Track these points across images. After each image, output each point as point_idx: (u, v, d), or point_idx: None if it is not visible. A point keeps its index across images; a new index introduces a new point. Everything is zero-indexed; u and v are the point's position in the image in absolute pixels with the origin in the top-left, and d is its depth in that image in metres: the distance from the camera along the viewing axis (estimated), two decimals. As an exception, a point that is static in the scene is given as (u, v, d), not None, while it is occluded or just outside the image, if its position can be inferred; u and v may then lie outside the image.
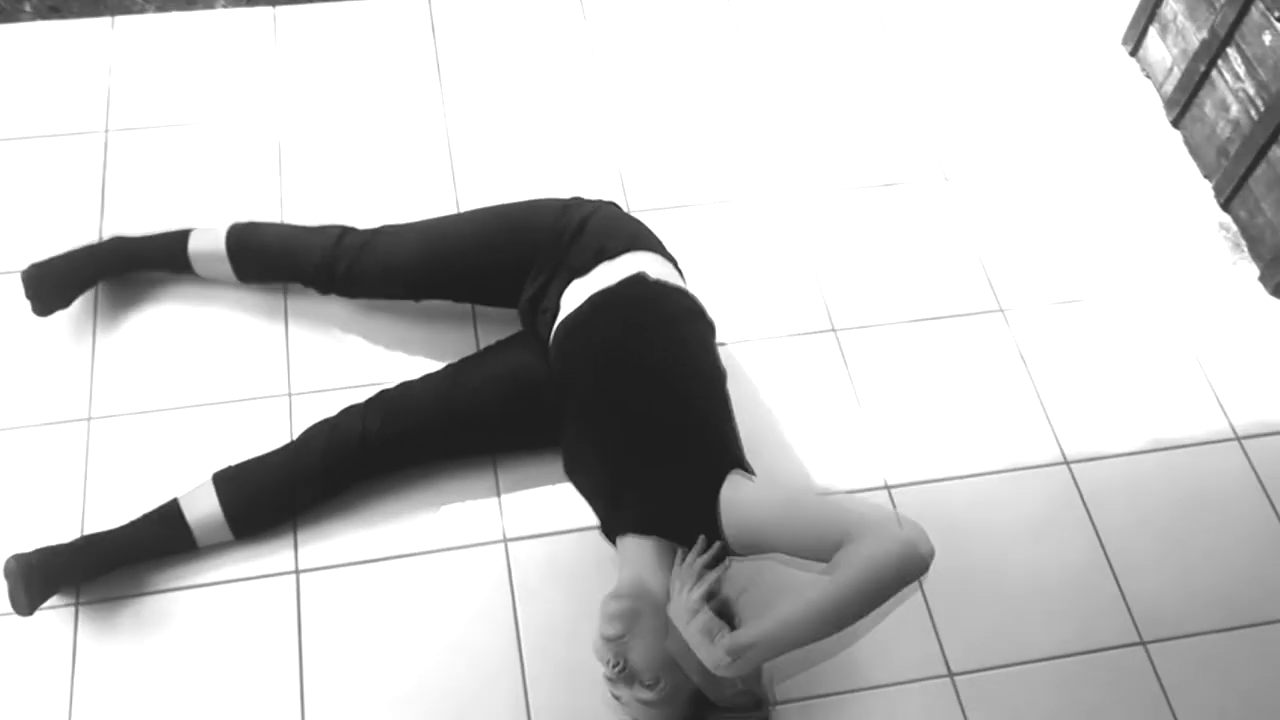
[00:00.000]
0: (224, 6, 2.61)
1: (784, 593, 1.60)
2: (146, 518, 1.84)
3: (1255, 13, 2.32)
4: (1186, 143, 2.59)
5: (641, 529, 1.72)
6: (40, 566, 1.75)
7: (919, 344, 2.23)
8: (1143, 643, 1.94)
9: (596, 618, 1.66)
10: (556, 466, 1.93)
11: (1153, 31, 2.66)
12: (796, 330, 2.23)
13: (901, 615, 1.92)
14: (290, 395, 2.06)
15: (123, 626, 1.82)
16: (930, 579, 1.96)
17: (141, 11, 2.58)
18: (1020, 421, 2.15)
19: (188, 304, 2.14)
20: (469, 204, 2.30)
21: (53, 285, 2.03)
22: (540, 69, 2.58)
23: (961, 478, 2.08)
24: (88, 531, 1.87)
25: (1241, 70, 2.38)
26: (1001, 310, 2.29)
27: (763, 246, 2.34)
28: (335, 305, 2.15)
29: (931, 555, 1.52)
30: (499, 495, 1.99)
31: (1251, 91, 2.35)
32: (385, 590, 1.89)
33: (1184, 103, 2.57)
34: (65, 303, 2.06)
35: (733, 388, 1.91)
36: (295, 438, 1.92)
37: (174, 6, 2.60)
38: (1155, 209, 2.47)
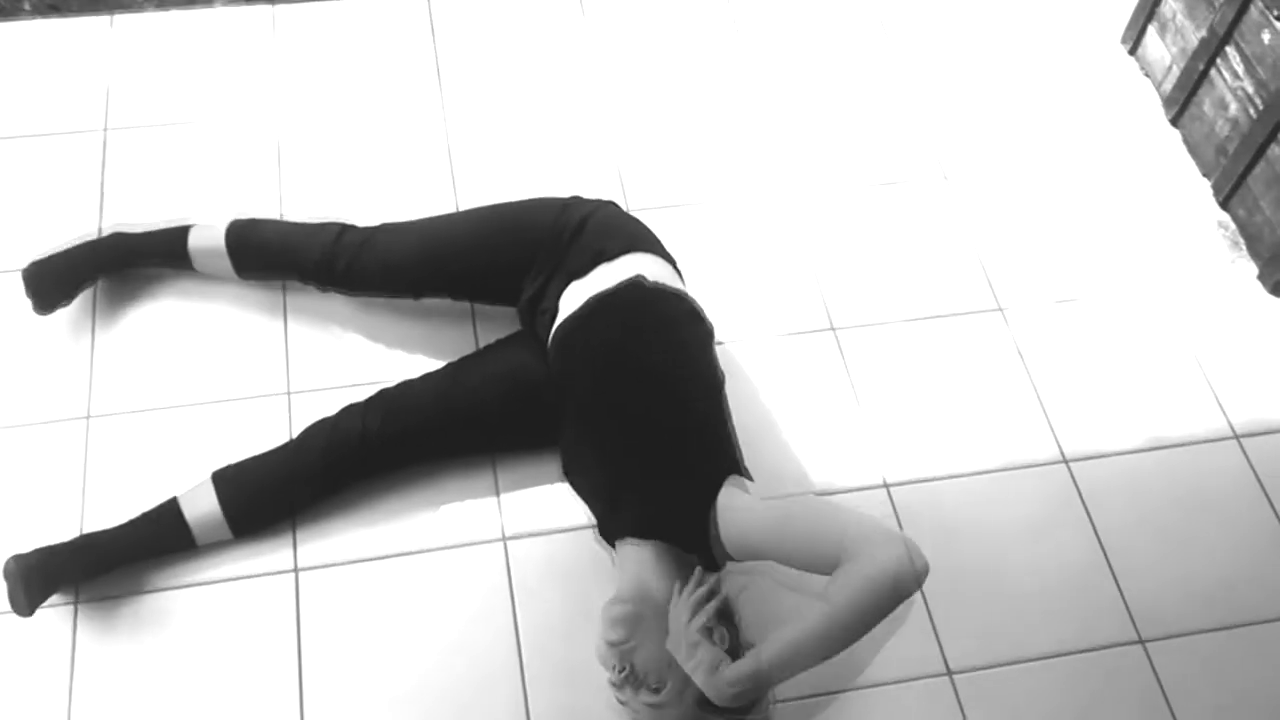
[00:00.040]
0: (223, 4, 2.61)
1: (781, 622, 1.59)
2: (145, 517, 1.84)
3: (1254, 11, 2.32)
4: (1185, 141, 2.59)
5: (640, 533, 1.72)
6: (39, 568, 1.75)
7: (918, 343, 2.23)
8: (1141, 641, 1.94)
9: (598, 622, 1.66)
10: (555, 465, 1.93)
11: (1152, 30, 2.66)
12: (795, 329, 2.23)
13: (900, 614, 1.92)
14: (289, 393, 2.06)
15: (121, 625, 1.82)
16: (929, 577, 1.95)
17: (140, 9, 2.58)
18: (1019, 420, 2.15)
19: (186, 301, 2.14)
20: (468, 201, 2.30)
21: (54, 282, 2.03)
22: (539, 66, 2.58)
23: (960, 476, 2.08)
24: (87, 529, 1.88)
25: (1240, 69, 2.38)
26: (1000, 309, 2.29)
27: (762, 245, 2.34)
28: (334, 303, 2.15)
29: (926, 571, 1.53)
30: (498, 494, 1.99)
31: (1250, 90, 2.36)
32: (384, 588, 1.89)
33: (1183, 101, 2.57)
34: (66, 300, 2.06)
35: (731, 386, 1.91)
36: (294, 437, 1.92)
37: (173, 4, 2.59)
38: (1154, 207, 2.47)
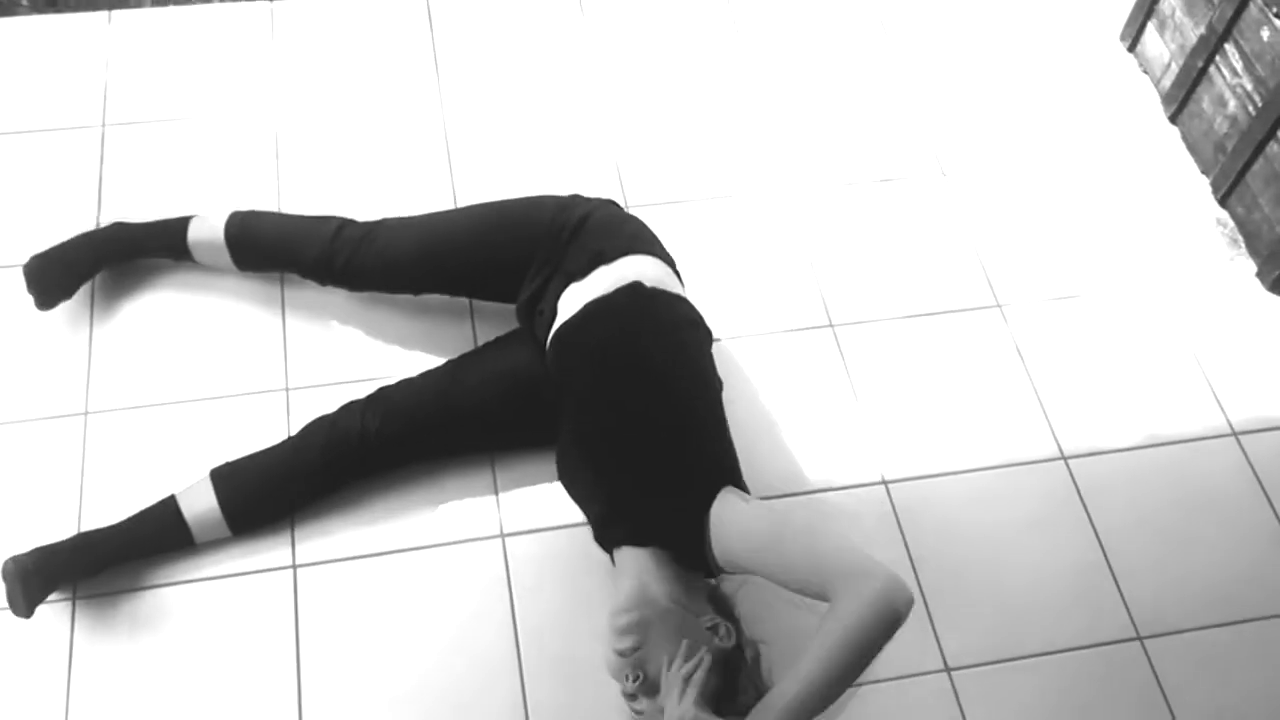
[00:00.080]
0: (221, 0, 2.60)
1: (779, 670, 1.56)
2: (143, 515, 1.84)
3: (1253, 8, 2.32)
4: (1184, 138, 2.59)
5: (636, 541, 1.70)
6: (37, 569, 1.74)
7: (916, 339, 2.23)
8: (1139, 638, 1.94)
9: (604, 637, 1.63)
10: (554, 462, 1.93)
11: (1151, 27, 2.66)
12: (794, 325, 2.22)
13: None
14: (287, 390, 2.06)
15: (119, 622, 1.82)
16: (927, 574, 1.96)
17: (138, 5, 2.58)
18: (1017, 417, 2.15)
19: (184, 296, 2.14)
20: (466, 197, 2.30)
21: (55, 276, 2.03)
22: (537, 62, 2.57)
23: (958, 473, 2.08)
24: (84, 527, 1.87)
25: (1239, 66, 2.38)
26: (999, 305, 2.29)
27: (760, 242, 2.34)
28: (332, 299, 2.15)
29: (909, 605, 1.48)
30: (496, 490, 1.99)
31: (1249, 87, 2.35)
32: (382, 585, 1.89)
33: (1182, 98, 2.57)
34: (68, 294, 2.06)
35: (729, 382, 1.91)
36: (294, 434, 1.92)
37: (171, 0, 2.59)
38: (1153, 205, 2.47)
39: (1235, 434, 2.16)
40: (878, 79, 2.63)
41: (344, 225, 2.03)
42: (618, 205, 2.01)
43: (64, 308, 2.09)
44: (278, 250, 2.07)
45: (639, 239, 1.92)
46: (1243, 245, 2.43)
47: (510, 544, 1.94)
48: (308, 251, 2.03)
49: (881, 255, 2.34)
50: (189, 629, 1.82)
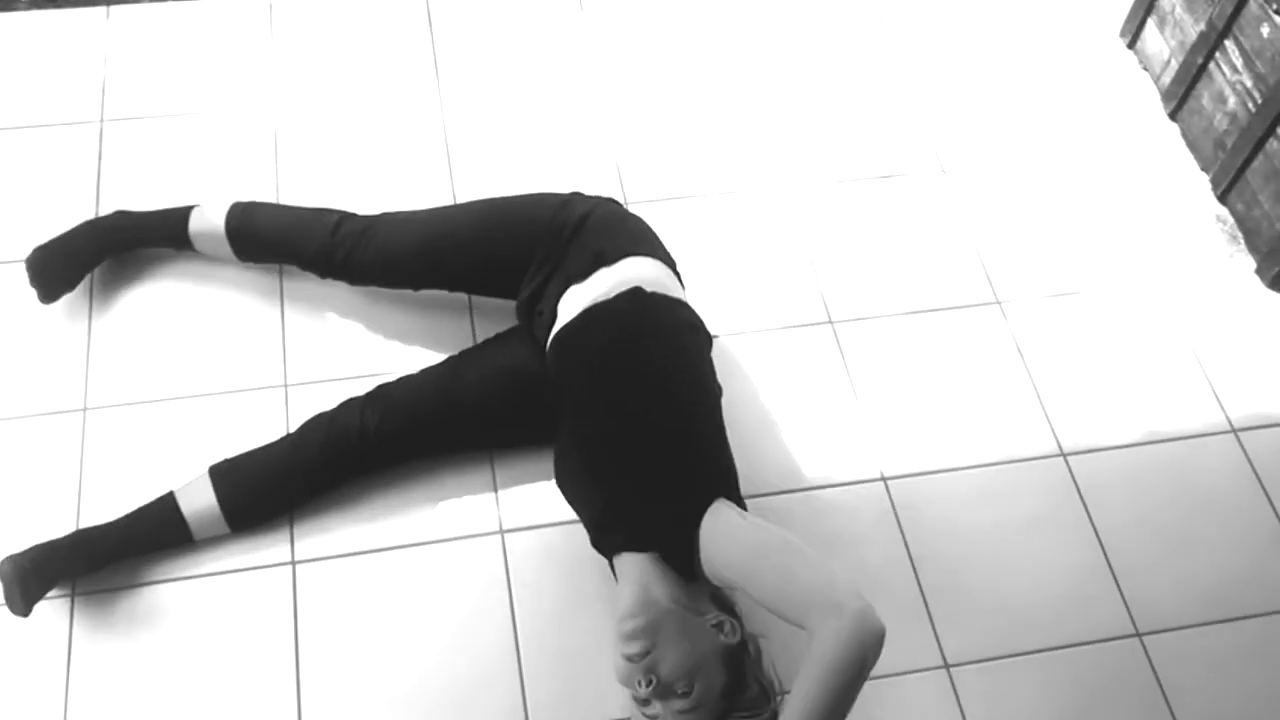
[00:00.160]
0: (219, -4, 2.60)
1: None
2: (142, 512, 1.84)
3: (1253, 5, 2.32)
4: (1184, 135, 2.59)
5: (636, 546, 1.69)
6: (35, 569, 1.73)
7: (916, 336, 2.23)
8: (1138, 634, 1.94)
9: (611, 646, 1.62)
10: (552, 457, 1.92)
11: (1150, 23, 2.66)
12: (793, 322, 2.22)
13: (898, 607, 1.92)
14: (286, 386, 2.05)
15: (118, 618, 1.82)
16: (926, 571, 1.96)
17: (137, 1, 2.57)
18: (1017, 414, 2.15)
19: (184, 289, 2.14)
20: (465, 193, 2.30)
21: (59, 267, 2.03)
22: (537, 59, 2.57)
23: (958, 470, 2.08)
24: (83, 523, 1.87)
25: (1239, 63, 2.38)
26: (998, 302, 2.29)
27: (760, 238, 2.33)
28: (332, 294, 2.15)
29: (879, 647, 1.45)
30: (495, 487, 1.98)
31: (1249, 84, 2.35)
32: (381, 581, 1.88)
33: (1181, 95, 2.57)
34: (71, 285, 2.06)
35: (729, 380, 1.91)
36: (293, 431, 1.92)
37: (169, -4, 2.59)
38: (1152, 201, 2.47)
39: (1235, 431, 2.16)
40: (877, 76, 2.63)
41: (343, 220, 2.02)
42: (618, 203, 2.01)
43: (62, 302, 2.08)
44: (277, 245, 2.07)
45: (640, 240, 1.91)
46: (1242, 242, 2.43)
47: (509, 540, 1.94)
48: (308, 245, 2.03)
49: (881, 252, 2.34)
50: (188, 626, 1.82)
